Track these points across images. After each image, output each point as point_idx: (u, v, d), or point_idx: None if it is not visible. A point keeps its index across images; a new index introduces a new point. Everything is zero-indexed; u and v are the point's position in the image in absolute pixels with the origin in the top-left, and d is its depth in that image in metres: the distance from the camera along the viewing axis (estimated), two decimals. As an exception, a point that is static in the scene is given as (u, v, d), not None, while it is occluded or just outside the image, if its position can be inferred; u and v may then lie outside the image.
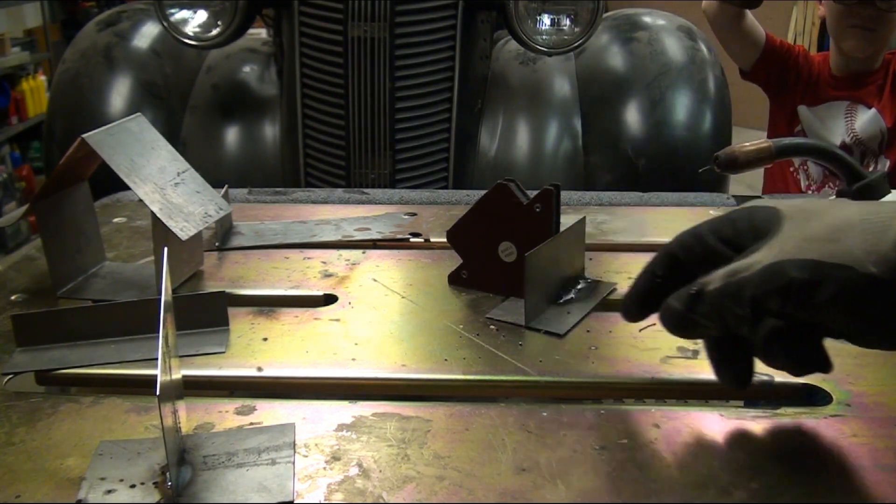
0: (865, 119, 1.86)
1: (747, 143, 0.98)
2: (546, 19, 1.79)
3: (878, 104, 1.85)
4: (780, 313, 0.48)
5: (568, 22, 1.79)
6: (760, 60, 1.93)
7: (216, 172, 1.81)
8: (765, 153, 0.95)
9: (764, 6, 1.78)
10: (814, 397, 0.62)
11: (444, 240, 0.84)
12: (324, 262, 0.88)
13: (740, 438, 0.56)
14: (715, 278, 0.50)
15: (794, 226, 0.49)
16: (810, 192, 1.94)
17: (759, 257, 0.48)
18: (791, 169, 1.97)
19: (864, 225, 0.46)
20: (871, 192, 0.86)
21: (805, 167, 1.95)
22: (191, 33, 1.79)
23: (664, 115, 1.87)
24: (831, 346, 0.69)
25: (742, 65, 1.97)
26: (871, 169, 1.82)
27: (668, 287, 0.54)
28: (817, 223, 0.48)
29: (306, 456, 0.53)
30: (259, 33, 2.20)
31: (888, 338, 0.48)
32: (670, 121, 1.87)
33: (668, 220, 1.02)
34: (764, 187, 2.10)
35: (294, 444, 0.54)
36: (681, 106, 1.90)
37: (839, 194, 0.89)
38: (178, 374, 0.56)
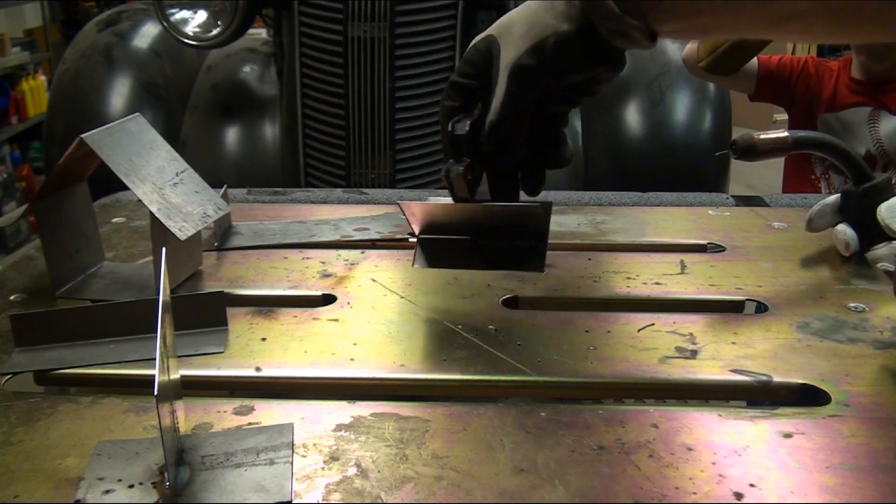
0: (891, 127, 1.82)
1: (765, 132, 0.98)
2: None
3: None
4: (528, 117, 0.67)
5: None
6: (760, 86, 1.90)
7: (216, 172, 1.81)
8: (782, 143, 0.95)
9: None
10: (812, 398, 0.62)
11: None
12: (323, 262, 0.88)
13: (739, 439, 0.56)
14: (491, 113, 0.67)
15: (507, 36, 0.66)
16: None
17: (500, 73, 0.66)
18: (812, 177, 1.95)
19: (545, 5, 0.64)
20: (878, 193, 0.86)
21: (827, 176, 1.93)
22: (191, 33, 1.80)
23: (664, 115, 1.87)
24: (831, 347, 0.69)
25: (744, 93, 1.95)
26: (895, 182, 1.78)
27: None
28: (520, 26, 0.65)
29: (304, 456, 0.53)
30: (259, 33, 2.20)
31: (589, 64, 0.65)
32: (670, 121, 1.87)
33: (668, 220, 1.02)
34: (784, 192, 2.09)
35: (292, 445, 0.54)
36: (681, 106, 1.90)
37: (844, 193, 0.89)
38: (176, 375, 0.56)
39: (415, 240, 0.77)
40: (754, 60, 1.86)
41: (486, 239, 0.73)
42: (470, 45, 0.70)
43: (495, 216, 0.71)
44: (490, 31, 0.69)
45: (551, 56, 0.63)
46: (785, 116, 2.00)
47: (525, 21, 0.66)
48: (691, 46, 1.77)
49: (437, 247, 0.76)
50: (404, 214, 0.75)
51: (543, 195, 0.73)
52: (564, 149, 0.71)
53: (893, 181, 0.92)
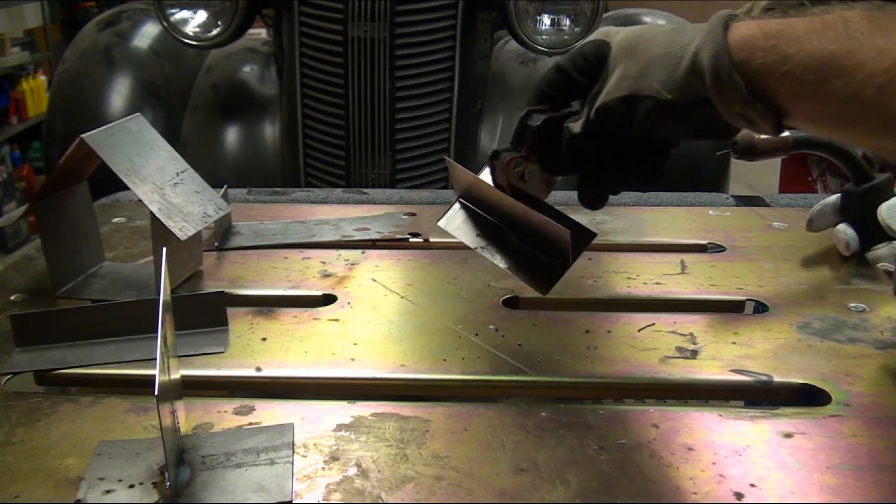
0: None
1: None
2: (546, 19, 1.79)
3: None
4: (618, 138, 0.63)
5: (568, 22, 1.79)
6: None
7: (216, 172, 1.81)
8: (783, 143, 0.95)
9: None
10: (813, 397, 0.62)
11: (444, 239, 0.84)
12: (323, 262, 0.88)
13: (739, 439, 0.56)
14: (575, 126, 0.63)
15: (617, 63, 0.61)
16: None
17: (597, 98, 0.62)
18: (809, 179, 1.95)
19: (665, 59, 0.59)
20: (878, 193, 0.86)
21: (823, 178, 1.92)
22: (191, 33, 1.79)
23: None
24: (831, 347, 0.69)
25: None
26: None
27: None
28: (632, 61, 0.60)
29: (305, 456, 0.53)
30: (259, 33, 2.20)
31: (691, 135, 0.61)
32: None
33: (668, 220, 1.02)
34: (780, 192, 2.09)
35: (293, 445, 0.54)
36: (681, 106, 1.89)
37: (845, 193, 0.89)
38: (177, 375, 0.56)
39: (416, 240, 0.77)
40: None
41: (514, 234, 0.71)
42: (599, 30, 0.65)
43: (530, 221, 0.68)
44: (617, 37, 0.63)
45: (643, 117, 0.59)
46: None
47: (644, 53, 0.60)
48: None
49: (470, 216, 0.74)
50: (449, 174, 0.73)
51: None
52: (654, 169, 0.65)
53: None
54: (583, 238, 0.67)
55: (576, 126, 0.63)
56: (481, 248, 0.73)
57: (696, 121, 0.59)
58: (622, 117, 0.60)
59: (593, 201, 0.67)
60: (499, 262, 0.71)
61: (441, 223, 0.75)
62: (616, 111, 0.60)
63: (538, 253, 0.69)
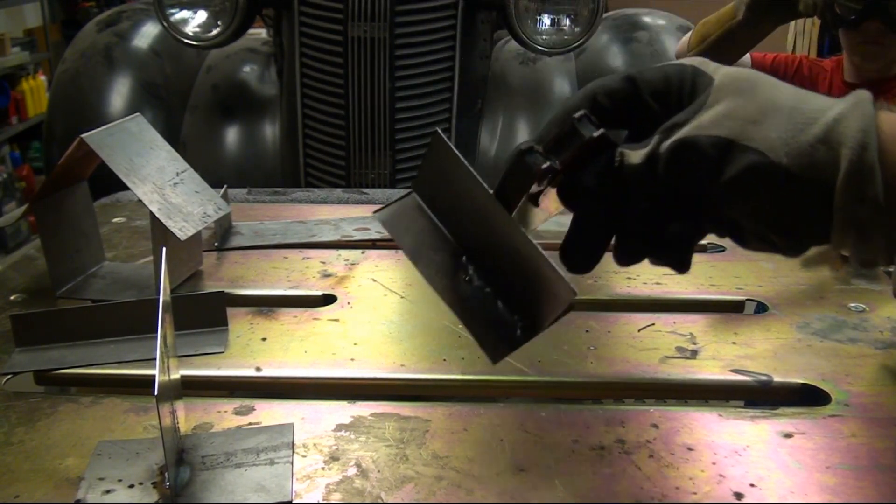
0: None
1: None
2: (546, 19, 1.79)
3: None
4: (684, 190, 0.46)
5: (568, 22, 1.79)
6: None
7: (216, 172, 1.81)
8: None
9: None
10: (813, 398, 0.62)
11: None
12: (323, 262, 0.88)
13: (739, 439, 0.56)
14: (635, 155, 0.46)
15: (721, 98, 0.45)
16: None
17: (678, 130, 0.45)
18: None
19: (792, 113, 0.44)
20: None
21: None
22: (191, 33, 1.79)
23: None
24: (831, 347, 0.69)
25: None
26: None
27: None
28: (745, 101, 0.45)
29: (305, 456, 0.53)
30: (259, 33, 2.20)
31: (786, 238, 0.45)
32: (670, 121, 1.86)
33: (668, 220, 1.02)
34: None
35: (293, 445, 0.54)
36: (681, 106, 1.89)
37: None
38: (176, 375, 0.56)
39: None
40: (748, 59, 1.85)
41: (475, 265, 0.52)
42: (688, 59, 0.49)
43: (515, 253, 0.48)
44: (723, 70, 0.47)
45: (737, 174, 0.44)
46: None
47: (766, 98, 0.45)
48: (683, 40, 1.76)
49: (422, 228, 0.53)
50: (430, 150, 0.52)
51: None
52: (681, 256, 0.49)
53: None
54: (561, 305, 0.47)
55: (635, 156, 0.46)
56: (426, 271, 0.52)
57: (796, 208, 0.43)
58: (708, 164, 0.44)
59: (628, 257, 0.50)
60: (444, 299, 0.51)
61: (378, 216, 0.54)
62: (704, 153, 0.44)
63: (501, 302, 0.51)
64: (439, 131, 0.50)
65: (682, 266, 0.49)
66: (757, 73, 0.47)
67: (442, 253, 0.52)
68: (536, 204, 0.50)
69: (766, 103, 0.44)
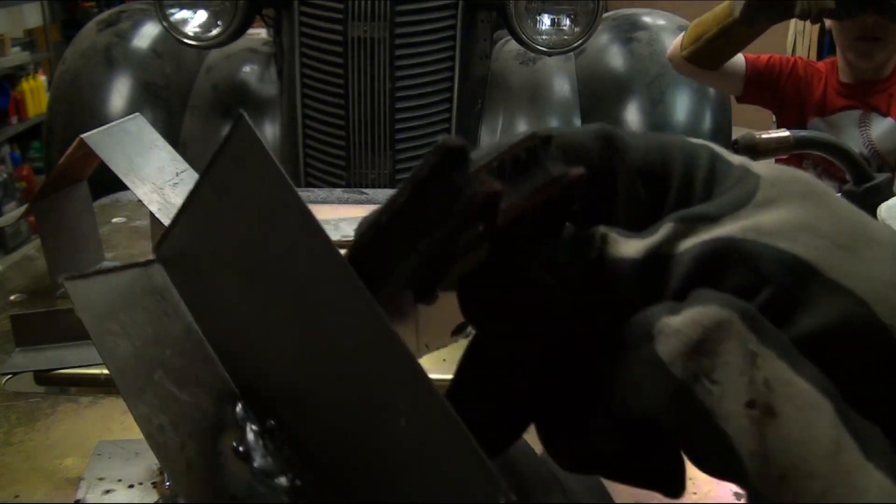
0: (883, 129, 1.81)
1: (767, 132, 0.98)
2: (546, 19, 1.79)
3: (892, 112, 1.81)
4: None
5: (568, 22, 1.79)
6: (748, 87, 1.86)
7: (216, 172, 1.81)
8: (784, 143, 0.95)
9: None
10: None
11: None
12: (323, 262, 0.88)
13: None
14: (628, 244, 0.24)
15: (780, 197, 0.25)
16: None
17: (710, 227, 0.25)
18: None
19: None
20: (878, 193, 0.86)
21: (820, 180, 1.91)
22: (191, 33, 1.79)
23: (664, 116, 1.87)
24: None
25: (731, 94, 1.92)
26: None
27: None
28: (820, 211, 0.25)
29: (305, 456, 0.53)
30: (259, 33, 2.20)
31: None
32: (670, 121, 1.87)
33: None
34: None
35: (292, 445, 0.54)
36: (680, 106, 1.90)
37: (845, 193, 0.89)
38: (176, 375, 0.55)
39: None
40: (741, 60, 1.84)
41: (278, 428, 0.24)
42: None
43: (372, 413, 0.21)
44: (764, 167, 0.27)
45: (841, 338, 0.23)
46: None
47: (867, 243, 0.25)
48: (675, 42, 1.74)
49: (159, 324, 0.25)
50: None
51: None
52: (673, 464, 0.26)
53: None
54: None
55: (628, 246, 0.25)
56: (142, 417, 0.24)
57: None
58: (770, 297, 0.23)
59: (579, 454, 0.26)
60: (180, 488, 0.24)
61: (68, 286, 0.28)
62: (763, 273, 0.24)
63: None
64: (244, 115, 0.24)
65: (673, 487, 0.26)
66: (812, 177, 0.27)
67: (194, 390, 0.24)
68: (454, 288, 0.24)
69: (856, 225, 0.25)
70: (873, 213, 0.82)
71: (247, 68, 2.01)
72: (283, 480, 0.22)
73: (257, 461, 0.23)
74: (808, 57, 3.24)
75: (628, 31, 2.00)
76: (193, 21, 1.80)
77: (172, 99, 1.96)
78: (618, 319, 0.24)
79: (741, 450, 0.21)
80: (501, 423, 0.25)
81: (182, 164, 0.82)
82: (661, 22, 2.02)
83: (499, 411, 0.25)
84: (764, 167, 0.28)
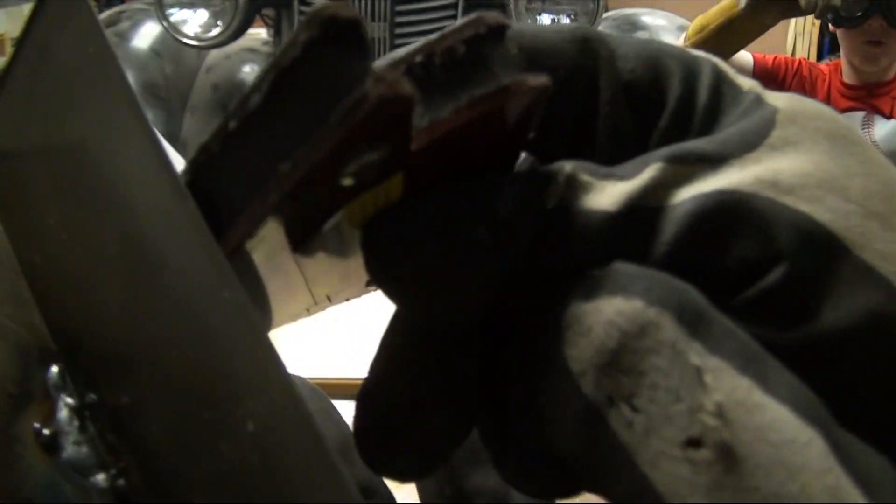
0: (886, 131, 1.81)
1: None
2: (546, 19, 1.79)
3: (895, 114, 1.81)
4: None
5: (568, 22, 1.79)
6: None
7: (216, 172, 1.82)
8: None
9: None
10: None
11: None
12: (323, 262, 0.88)
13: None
14: (600, 193, 0.17)
15: (801, 140, 0.18)
16: None
17: (710, 170, 0.18)
18: None
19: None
20: None
21: None
22: (191, 33, 1.80)
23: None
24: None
25: None
26: None
27: None
28: (849, 162, 0.18)
29: (305, 455, 0.53)
30: (259, 33, 2.20)
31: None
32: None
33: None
34: None
35: (293, 444, 0.54)
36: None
37: None
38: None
39: None
40: (748, 57, 1.85)
41: (90, 381, 0.17)
42: (688, 46, 0.28)
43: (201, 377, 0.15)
44: (798, 105, 0.18)
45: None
46: None
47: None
48: (679, 41, 1.75)
49: None
50: None
51: None
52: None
53: None
54: None
55: (601, 195, 0.17)
56: None
57: None
58: (788, 277, 0.16)
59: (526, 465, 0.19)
60: None
61: None
62: (772, 242, 0.16)
63: None
64: None
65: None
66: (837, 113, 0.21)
67: None
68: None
69: (891, 185, 0.19)
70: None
71: (247, 68, 2.02)
72: (100, 479, 0.16)
73: (67, 450, 0.16)
74: (808, 58, 3.25)
75: (628, 31, 2.00)
76: (193, 21, 1.80)
77: (172, 99, 1.96)
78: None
79: None
80: (432, 424, 0.19)
81: (182, 164, 0.82)
82: (661, 22, 2.02)
83: (429, 410, 0.19)
84: (780, 97, 0.20)
